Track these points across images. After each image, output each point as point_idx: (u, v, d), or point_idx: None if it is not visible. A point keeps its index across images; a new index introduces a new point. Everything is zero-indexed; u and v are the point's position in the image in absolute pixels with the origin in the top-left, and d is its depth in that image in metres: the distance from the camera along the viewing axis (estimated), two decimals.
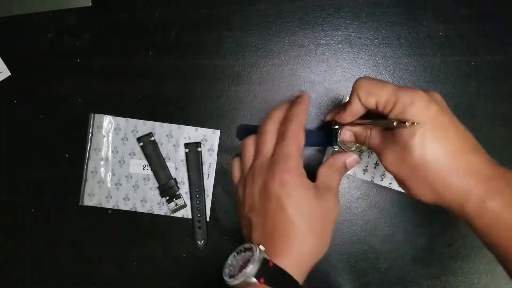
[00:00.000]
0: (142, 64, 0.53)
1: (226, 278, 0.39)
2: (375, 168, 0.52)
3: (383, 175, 0.52)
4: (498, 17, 0.51)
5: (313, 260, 0.41)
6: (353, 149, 0.45)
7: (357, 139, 0.44)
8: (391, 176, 0.49)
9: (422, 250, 0.53)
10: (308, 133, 0.44)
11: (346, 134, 0.44)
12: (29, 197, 0.54)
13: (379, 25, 0.52)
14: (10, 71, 0.54)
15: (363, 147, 0.45)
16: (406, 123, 0.37)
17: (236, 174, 0.46)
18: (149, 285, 0.54)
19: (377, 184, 0.52)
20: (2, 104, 0.54)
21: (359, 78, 0.41)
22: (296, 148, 0.42)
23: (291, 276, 0.38)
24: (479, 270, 0.53)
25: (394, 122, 0.37)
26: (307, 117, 0.44)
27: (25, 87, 0.54)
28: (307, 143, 0.43)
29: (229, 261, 0.40)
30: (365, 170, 0.52)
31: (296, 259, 0.40)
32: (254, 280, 0.37)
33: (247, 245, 0.39)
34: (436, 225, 0.52)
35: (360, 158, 0.45)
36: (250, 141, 0.45)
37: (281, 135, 0.43)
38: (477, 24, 0.51)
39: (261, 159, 0.43)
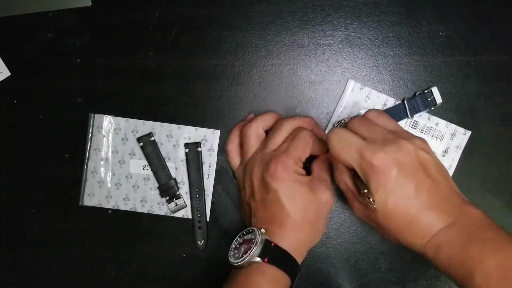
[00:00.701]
0: (142, 64, 0.53)
1: (232, 260, 0.43)
2: None
3: None
4: (498, 17, 0.51)
5: (308, 244, 0.46)
6: None
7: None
8: None
9: None
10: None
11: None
12: (29, 197, 0.54)
13: (379, 25, 0.52)
14: (10, 71, 0.54)
15: None
16: (368, 194, 0.40)
17: (235, 160, 0.49)
18: (149, 285, 0.54)
19: None
20: (2, 104, 0.54)
21: (329, 133, 0.43)
22: (300, 152, 0.45)
23: (291, 256, 0.43)
24: None
25: (362, 188, 0.41)
26: (316, 151, 0.47)
27: (25, 87, 0.54)
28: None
29: (233, 245, 0.44)
30: None
31: (292, 243, 0.43)
32: (258, 259, 0.41)
33: (249, 229, 0.44)
34: None
35: None
36: (252, 130, 0.48)
37: (292, 136, 0.46)
38: (477, 24, 0.51)
39: (264, 151, 0.46)
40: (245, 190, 0.47)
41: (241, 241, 0.44)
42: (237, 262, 0.42)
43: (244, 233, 0.44)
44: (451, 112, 0.52)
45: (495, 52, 0.51)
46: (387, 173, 0.39)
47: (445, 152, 0.51)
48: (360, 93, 0.52)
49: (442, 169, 0.41)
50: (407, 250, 0.52)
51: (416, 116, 0.51)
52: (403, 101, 0.51)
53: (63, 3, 0.53)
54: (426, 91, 0.51)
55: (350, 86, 0.52)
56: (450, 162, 0.51)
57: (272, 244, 0.42)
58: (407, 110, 0.51)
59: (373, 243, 0.53)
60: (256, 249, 0.41)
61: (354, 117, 0.44)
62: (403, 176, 0.39)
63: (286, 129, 0.47)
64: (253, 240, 0.42)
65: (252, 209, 0.46)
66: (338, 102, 0.52)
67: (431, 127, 0.51)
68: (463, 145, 0.51)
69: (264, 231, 0.43)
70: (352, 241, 0.53)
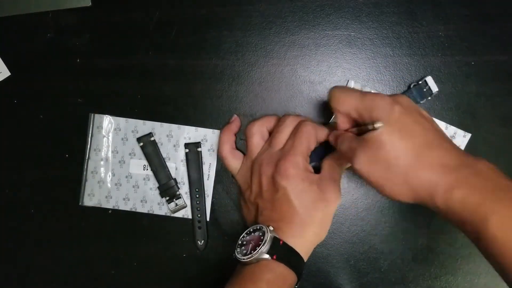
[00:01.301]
0: (142, 64, 0.53)
1: (240, 256, 0.43)
2: None
3: None
4: (498, 17, 0.51)
5: (314, 243, 0.46)
6: None
7: (335, 144, 0.45)
8: None
9: (422, 250, 0.53)
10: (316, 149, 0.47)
11: (331, 135, 0.46)
12: (29, 197, 0.54)
13: (379, 25, 0.52)
14: (10, 71, 0.54)
15: None
16: (374, 124, 0.38)
17: (234, 164, 0.49)
18: (149, 285, 0.54)
19: (361, 179, 0.52)
20: (2, 104, 0.54)
21: (330, 89, 0.44)
22: (305, 146, 0.45)
23: (298, 254, 0.43)
24: (479, 270, 0.53)
25: (367, 125, 0.40)
26: (323, 136, 0.47)
27: (25, 87, 0.54)
28: (313, 159, 0.47)
29: (239, 242, 0.44)
30: None
31: (300, 241, 0.44)
32: (267, 256, 0.42)
33: (256, 226, 0.44)
34: (436, 225, 0.52)
35: None
36: (256, 129, 0.48)
37: (295, 130, 0.46)
38: (477, 24, 0.51)
39: (271, 150, 0.46)
40: (251, 189, 0.47)
41: (248, 238, 0.44)
42: (245, 258, 0.42)
43: (252, 230, 0.44)
44: (451, 112, 0.52)
45: (495, 52, 0.51)
46: (391, 108, 0.39)
47: None
48: None
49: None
50: (407, 250, 0.53)
51: None
52: None
53: (63, 3, 0.53)
54: (420, 82, 0.50)
55: (350, 86, 0.52)
56: None
57: (281, 242, 0.43)
58: None
59: (373, 243, 0.53)
60: (265, 246, 0.42)
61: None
62: (405, 112, 0.39)
63: (289, 126, 0.47)
64: (262, 237, 0.42)
65: (259, 208, 0.46)
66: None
67: None
68: (462, 147, 0.51)
69: (272, 228, 0.43)
70: (352, 241, 0.53)
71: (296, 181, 0.44)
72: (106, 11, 0.53)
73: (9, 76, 0.54)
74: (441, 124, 0.51)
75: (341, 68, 0.52)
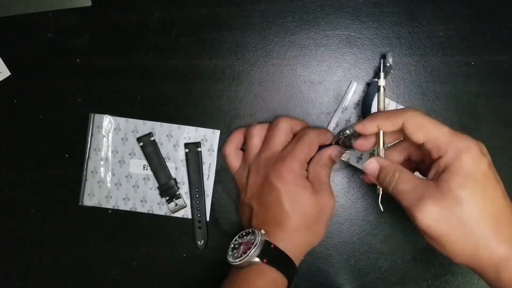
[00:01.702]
0: (142, 64, 0.53)
1: (231, 259, 0.43)
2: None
3: None
4: (498, 17, 0.51)
5: (306, 248, 0.46)
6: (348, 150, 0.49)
7: (379, 178, 0.39)
8: None
9: (422, 250, 0.53)
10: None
11: (372, 164, 0.39)
12: (29, 197, 0.54)
13: (379, 25, 0.52)
14: (10, 71, 0.54)
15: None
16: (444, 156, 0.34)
17: (235, 163, 0.49)
18: (149, 285, 0.54)
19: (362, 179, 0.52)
20: (2, 104, 0.54)
21: (414, 111, 0.37)
22: (305, 154, 0.45)
23: (289, 257, 0.43)
24: None
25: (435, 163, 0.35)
26: (326, 139, 0.47)
27: (25, 87, 0.54)
28: None
29: (232, 245, 0.44)
30: (360, 158, 0.52)
31: (291, 246, 0.44)
32: (257, 259, 0.41)
33: (249, 230, 0.44)
34: None
35: (343, 151, 0.48)
36: (256, 130, 0.48)
37: (297, 138, 0.46)
38: (477, 24, 0.51)
39: (269, 153, 0.46)
40: (247, 191, 0.47)
41: (240, 241, 0.44)
42: (236, 262, 0.42)
43: (244, 234, 0.44)
44: (451, 112, 0.52)
45: (495, 52, 0.51)
46: (480, 158, 0.35)
47: None
48: (362, 96, 0.51)
49: None
50: (407, 250, 0.53)
51: None
52: (367, 84, 0.50)
53: (63, 3, 0.53)
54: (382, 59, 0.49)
55: (352, 88, 0.52)
56: None
57: (272, 245, 0.43)
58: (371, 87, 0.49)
59: (373, 243, 0.53)
60: (255, 250, 0.42)
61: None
62: (491, 169, 0.35)
63: (283, 128, 0.47)
64: (253, 241, 0.42)
65: (253, 210, 0.46)
66: (339, 103, 0.52)
67: None
68: None
69: (264, 232, 0.44)
70: (352, 241, 0.53)
71: (290, 186, 0.44)
72: (106, 11, 0.53)
73: (9, 76, 0.54)
74: None
75: (341, 68, 0.52)
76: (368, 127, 0.39)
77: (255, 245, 0.42)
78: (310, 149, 0.46)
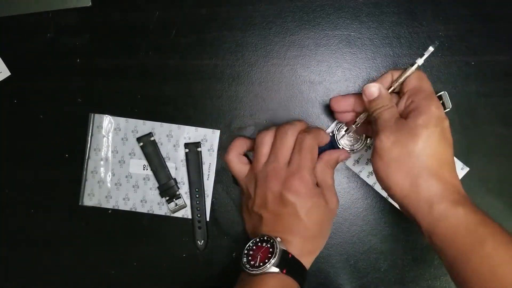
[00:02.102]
0: (142, 64, 0.53)
1: (248, 267, 0.43)
2: (367, 164, 0.52)
3: (371, 173, 0.52)
4: (498, 17, 0.51)
5: (318, 252, 0.47)
6: (348, 148, 0.50)
7: (376, 102, 0.44)
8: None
9: (422, 250, 0.53)
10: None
11: (374, 88, 0.44)
12: (29, 197, 0.54)
13: (379, 25, 0.52)
14: (10, 71, 0.54)
15: (356, 146, 0.50)
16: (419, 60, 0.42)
17: (240, 170, 0.49)
18: (149, 285, 0.54)
19: (363, 180, 0.53)
20: (2, 104, 0.54)
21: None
22: (311, 160, 0.46)
23: (304, 267, 0.44)
24: None
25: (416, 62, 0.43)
26: (320, 140, 0.47)
27: (25, 87, 0.54)
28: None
29: (245, 251, 0.44)
30: (357, 162, 0.52)
31: (305, 253, 0.44)
32: (277, 270, 0.42)
33: (264, 237, 0.44)
34: None
35: (350, 155, 0.50)
36: (267, 139, 0.47)
37: (298, 146, 0.46)
38: (477, 24, 0.51)
39: (276, 165, 0.46)
40: (255, 200, 0.46)
41: (254, 247, 0.44)
42: (255, 271, 0.42)
43: (259, 240, 0.44)
44: (451, 112, 0.52)
45: (495, 52, 0.51)
46: (443, 118, 0.41)
47: None
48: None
49: None
50: (407, 250, 0.53)
51: None
52: None
53: (63, 3, 0.53)
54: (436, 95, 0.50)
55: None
56: None
57: (290, 255, 0.43)
58: None
59: (373, 243, 0.53)
60: (274, 260, 0.42)
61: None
62: (448, 131, 0.41)
63: (290, 138, 0.46)
64: (271, 250, 0.42)
65: (263, 219, 0.46)
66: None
67: None
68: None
69: (280, 240, 0.44)
70: (352, 241, 0.53)
71: (305, 199, 0.44)
72: (106, 11, 0.53)
73: (9, 76, 0.54)
74: None
75: (341, 68, 0.52)
76: (384, 76, 0.46)
77: (275, 255, 0.42)
78: (313, 154, 0.46)
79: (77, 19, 0.53)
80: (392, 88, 0.45)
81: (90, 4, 0.53)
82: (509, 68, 0.51)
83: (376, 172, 0.42)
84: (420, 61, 0.44)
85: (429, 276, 0.53)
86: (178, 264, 0.54)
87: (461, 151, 0.52)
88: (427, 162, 0.40)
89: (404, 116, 0.43)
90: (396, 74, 0.45)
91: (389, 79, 0.46)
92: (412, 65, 0.44)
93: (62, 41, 0.53)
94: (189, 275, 0.54)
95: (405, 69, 0.44)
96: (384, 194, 0.52)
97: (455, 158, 0.50)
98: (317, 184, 0.47)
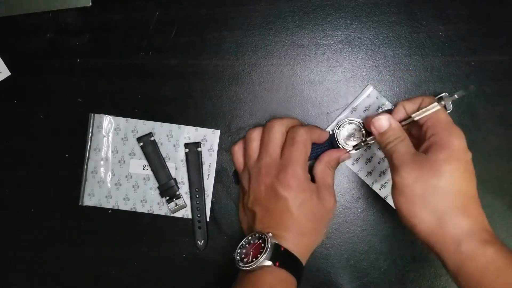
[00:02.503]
0: (142, 64, 0.53)
1: (241, 264, 0.43)
2: (366, 163, 0.52)
3: (369, 173, 0.52)
4: (498, 17, 0.51)
5: (312, 248, 0.47)
6: (348, 148, 0.50)
7: (388, 135, 0.43)
8: (375, 176, 0.51)
9: (422, 250, 0.53)
10: (312, 146, 0.47)
11: (383, 121, 0.43)
12: (29, 197, 0.54)
13: (379, 25, 0.52)
14: (10, 71, 0.54)
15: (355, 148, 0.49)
16: (442, 101, 0.41)
17: (240, 161, 0.49)
18: (149, 285, 0.54)
19: (363, 180, 0.53)
20: (2, 104, 0.54)
21: (427, 97, 0.44)
22: (303, 154, 0.46)
23: (298, 259, 0.44)
24: None
25: (439, 101, 0.41)
26: (316, 137, 0.47)
27: (25, 87, 0.54)
28: (311, 156, 0.47)
29: (238, 250, 0.44)
30: (356, 161, 0.52)
31: (299, 247, 0.44)
32: (269, 263, 0.42)
33: (256, 234, 0.44)
34: None
35: (350, 156, 0.50)
36: (255, 135, 0.48)
37: (291, 140, 0.46)
38: (477, 24, 0.51)
39: (268, 159, 0.46)
40: (250, 195, 0.47)
41: (247, 245, 0.44)
42: (247, 267, 0.42)
43: (250, 237, 0.44)
44: (451, 112, 0.51)
45: (495, 52, 0.51)
46: (466, 150, 0.40)
47: None
48: (375, 101, 0.51)
49: None
50: (407, 250, 0.53)
51: None
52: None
53: (63, 3, 0.53)
54: (436, 97, 0.50)
55: (367, 91, 0.51)
56: None
57: (282, 248, 0.43)
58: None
59: (373, 243, 0.53)
60: (266, 254, 0.42)
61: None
62: (471, 164, 0.40)
63: (278, 132, 0.47)
64: (262, 245, 0.42)
65: (256, 215, 0.46)
66: (350, 103, 0.52)
67: None
68: None
69: (272, 234, 0.44)
70: (352, 241, 0.53)
71: (297, 193, 0.44)
72: (106, 11, 0.53)
73: (9, 76, 0.54)
74: None
75: (341, 68, 0.52)
76: (396, 110, 0.44)
77: (266, 249, 0.42)
78: (306, 148, 0.46)
79: (77, 19, 0.53)
80: (406, 122, 0.44)
81: (90, 4, 0.53)
82: (509, 68, 0.51)
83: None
84: (440, 104, 0.43)
85: (429, 276, 0.53)
86: (178, 264, 0.54)
87: None
88: (452, 198, 0.38)
89: (424, 149, 0.41)
90: (408, 106, 0.44)
91: (401, 113, 0.44)
92: (428, 101, 0.43)
93: (62, 41, 0.53)
94: (189, 275, 0.54)
95: (417, 99, 0.44)
96: (383, 194, 0.52)
97: None
98: (314, 181, 0.47)
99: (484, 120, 0.52)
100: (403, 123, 0.44)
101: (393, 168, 0.41)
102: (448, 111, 0.48)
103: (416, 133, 0.45)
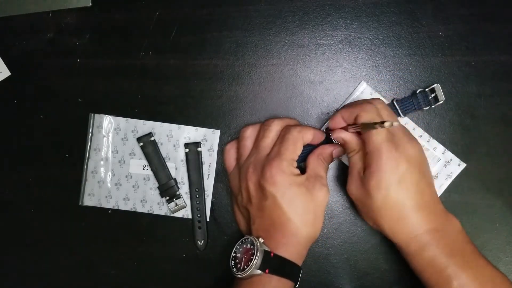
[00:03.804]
0: (142, 64, 0.53)
1: (234, 270, 0.43)
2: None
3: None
4: (498, 17, 0.51)
5: (308, 244, 0.46)
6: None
7: (346, 146, 0.46)
8: None
9: None
10: (307, 146, 0.47)
11: (341, 134, 0.46)
12: (29, 197, 0.54)
13: (379, 25, 0.52)
14: (10, 71, 0.54)
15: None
16: (385, 123, 0.39)
17: (230, 161, 0.49)
18: (149, 285, 0.54)
19: None
20: (2, 104, 0.54)
21: (368, 105, 0.44)
22: (291, 152, 0.45)
23: (292, 262, 0.43)
24: None
25: (379, 124, 0.40)
26: (309, 137, 0.46)
27: (25, 87, 0.54)
28: (300, 159, 0.47)
29: (233, 253, 0.44)
30: None
31: (294, 247, 0.44)
32: (259, 272, 0.41)
33: (248, 238, 0.44)
34: None
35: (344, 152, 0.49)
36: (249, 133, 0.48)
37: (281, 138, 0.46)
38: (477, 24, 0.51)
39: (258, 156, 0.46)
40: (242, 195, 0.46)
41: (240, 249, 0.44)
42: (239, 274, 0.42)
43: (243, 241, 0.44)
44: (451, 112, 0.52)
45: (495, 52, 0.51)
46: (398, 163, 0.41)
47: (435, 177, 0.51)
48: (369, 98, 0.51)
49: (431, 173, 0.45)
50: None
51: (416, 135, 0.49)
52: (392, 101, 0.51)
53: (63, 3, 0.53)
54: (427, 88, 0.50)
55: (361, 87, 0.51)
56: (437, 189, 0.51)
57: (272, 255, 0.42)
58: (398, 110, 0.50)
59: (373, 243, 0.53)
60: (256, 261, 0.41)
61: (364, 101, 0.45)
62: (410, 171, 0.42)
63: (273, 130, 0.46)
64: (253, 251, 0.42)
65: (251, 215, 0.46)
66: (344, 101, 0.52)
67: (428, 149, 0.51)
68: (454, 176, 0.51)
69: (262, 240, 0.43)
70: (352, 241, 0.53)
71: (283, 187, 0.43)
72: (106, 11, 0.53)
73: (9, 76, 0.54)
74: (439, 148, 0.51)
75: (341, 68, 0.52)
76: (335, 120, 0.46)
77: (255, 257, 0.41)
78: (295, 147, 0.45)
79: (77, 19, 0.53)
80: (354, 130, 0.45)
81: (90, 4, 0.53)
82: (509, 68, 0.51)
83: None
84: (371, 127, 0.42)
85: None
86: (178, 264, 0.54)
87: (461, 151, 0.52)
88: (389, 216, 0.42)
89: (365, 167, 0.44)
90: (345, 115, 0.45)
91: (339, 122, 0.46)
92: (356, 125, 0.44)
93: (62, 41, 0.53)
94: (189, 275, 0.54)
95: (356, 108, 0.44)
96: None
97: (451, 154, 0.51)
98: (306, 174, 0.46)
99: (484, 120, 0.52)
100: (351, 130, 0.45)
101: (350, 177, 0.45)
102: (440, 102, 0.49)
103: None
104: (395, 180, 0.41)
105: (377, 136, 0.42)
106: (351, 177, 0.45)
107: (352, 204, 0.53)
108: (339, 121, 0.45)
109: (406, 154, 0.42)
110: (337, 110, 0.47)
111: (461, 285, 0.41)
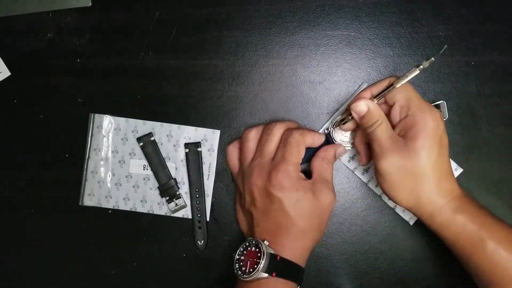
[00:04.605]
0: (142, 64, 0.53)
1: (240, 273, 0.43)
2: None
3: (365, 170, 0.52)
4: (498, 17, 0.51)
5: (312, 247, 0.46)
6: (344, 145, 0.50)
7: (365, 120, 0.44)
8: (371, 174, 0.51)
9: (422, 250, 0.53)
10: (308, 150, 0.47)
11: (361, 106, 0.44)
12: (29, 197, 0.54)
13: (379, 25, 0.52)
14: (10, 71, 0.54)
15: (351, 142, 0.49)
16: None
17: (234, 162, 0.49)
18: (149, 285, 0.54)
19: (357, 176, 0.53)
20: (2, 104, 0.54)
21: (396, 78, 0.43)
22: (295, 155, 0.45)
23: (297, 264, 0.44)
24: None
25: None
26: (310, 140, 0.47)
27: (25, 87, 0.54)
28: (306, 159, 0.47)
29: (237, 256, 0.44)
30: (352, 158, 0.52)
31: (298, 250, 0.44)
32: (265, 275, 0.42)
33: (252, 240, 0.44)
34: None
35: (346, 150, 0.50)
36: (252, 135, 0.48)
37: (284, 141, 0.46)
38: (477, 24, 0.51)
39: (261, 160, 0.46)
40: (245, 197, 0.46)
41: (244, 252, 0.44)
42: (245, 278, 0.42)
43: (248, 244, 0.44)
44: (451, 112, 0.52)
45: (495, 52, 0.51)
46: (438, 124, 0.42)
47: None
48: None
49: None
50: (407, 250, 0.53)
51: None
52: None
53: (63, 3, 0.53)
54: (433, 104, 0.50)
55: (362, 88, 0.51)
56: None
57: (278, 258, 0.42)
58: None
59: (373, 243, 0.53)
60: (262, 265, 0.41)
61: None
62: (445, 134, 0.42)
63: (276, 134, 0.46)
64: (259, 254, 0.42)
65: (254, 218, 0.46)
66: (346, 101, 0.52)
67: None
68: None
69: (268, 243, 0.43)
70: (352, 241, 0.53)
71: (291, 192, 0.44)
72: (106, 11, 0.53)
73: (9, 76, 0.54)
74: None
75: (341, 68, 0.52)
76: (364, 93, 0.45)
77: (262, 260, 0.41)
78: (299, 150, 0.45)
79: (77, 19, 0.53)
80: (389, 90, 0.43)
81: (90, 4, 0.53)
82: (509, 68, 0.51)
83: (382, 190, 0.44)
84: (419, 68, 0.42)
85: (429, 276, 0.53)
86: (178, 264, 0.54)
87: (461, 151, 0.52)
88: (428, 178, 0.42)
89: (401, 131, 0.43)
90: (374, 89, 0.45)
91: (369, 93, 0.45)
92: (393, 81, 0.43)
93: (62, 41, 0.53)
94: (189, 275, 0.54)
95: (384, 81, 0.44)
96: (378, 191, 0.52)
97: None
98: (311, 178, 0.46)
99: (484, 120, 0.52)
100: (378, 97, 0.44)
101: (374, 155, 0.43)
102: (444, 119, 0.49)
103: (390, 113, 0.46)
104: (437, 139, 0.41)
105: (415, 93, 0.43)
106: (381, 150, 0.42)
107: (351, 203, 0.53)
108: (366, 95, 0.45)
109: (441, 117, 0.42)
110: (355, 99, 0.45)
111: (496, 243, 0.41)
